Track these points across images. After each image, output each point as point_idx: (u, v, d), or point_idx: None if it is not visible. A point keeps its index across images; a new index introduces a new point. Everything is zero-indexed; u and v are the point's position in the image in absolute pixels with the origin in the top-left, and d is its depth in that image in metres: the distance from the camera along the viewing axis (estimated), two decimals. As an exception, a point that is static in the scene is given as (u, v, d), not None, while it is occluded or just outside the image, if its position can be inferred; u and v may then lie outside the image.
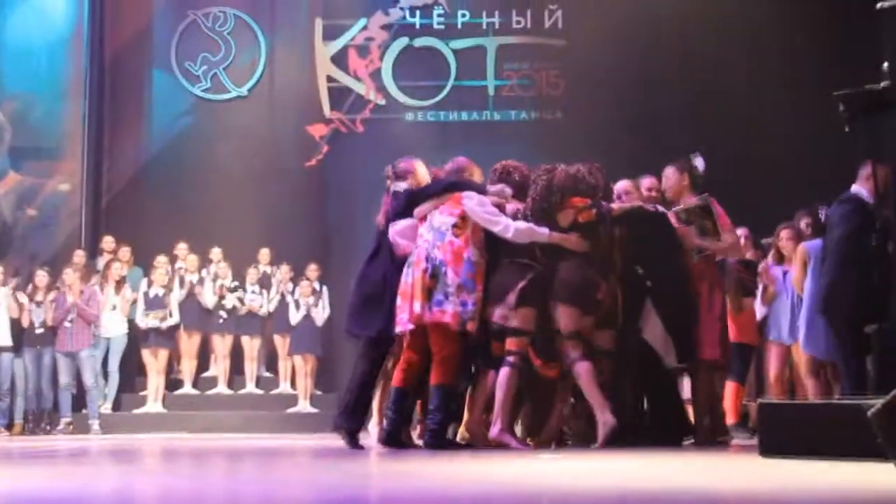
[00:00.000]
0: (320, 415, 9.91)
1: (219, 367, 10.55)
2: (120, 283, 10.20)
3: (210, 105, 11.79)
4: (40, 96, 11.52)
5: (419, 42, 11.74)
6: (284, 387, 10.52)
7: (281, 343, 10.52)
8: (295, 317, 10.37)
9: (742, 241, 6.63)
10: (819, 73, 9.42)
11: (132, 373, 10.54)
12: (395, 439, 5.19)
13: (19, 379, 9.84)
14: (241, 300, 10.48)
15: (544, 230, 5.20)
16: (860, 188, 5.39)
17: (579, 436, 5.60)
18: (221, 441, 7.62)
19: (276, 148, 11.54)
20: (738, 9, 10.77)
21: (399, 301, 5.18)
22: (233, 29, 11.85)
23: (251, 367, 10.58)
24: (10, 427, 9.78)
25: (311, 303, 10.35)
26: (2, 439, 8.96)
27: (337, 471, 3.78)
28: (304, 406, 10.26)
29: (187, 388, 10.50)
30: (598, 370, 5.19)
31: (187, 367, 10.51)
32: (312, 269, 10.55)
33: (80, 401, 9.89)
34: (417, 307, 5.06)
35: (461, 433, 5.64)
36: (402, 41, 11.74)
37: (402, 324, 5.15)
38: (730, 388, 6.70)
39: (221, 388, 10.51)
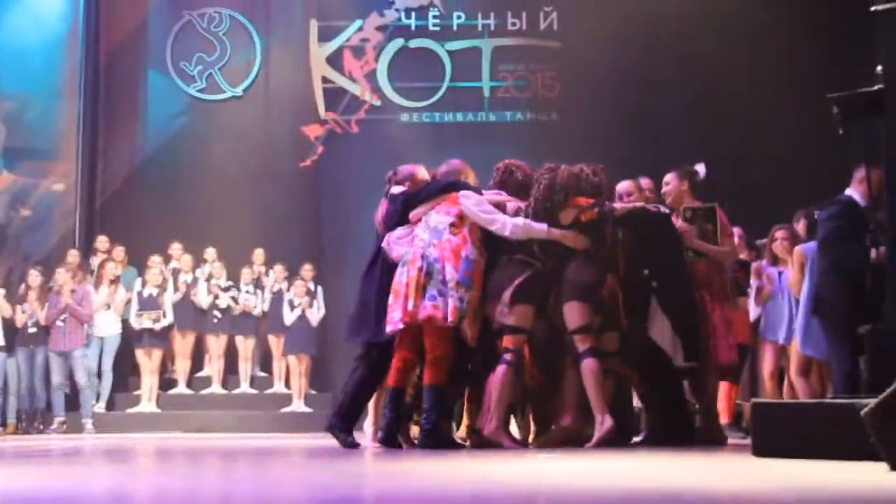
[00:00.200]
0: (314, 414, 9.91)
1: (213, 366, 10.55)
2: (114, 283, 10.20)
3: (205, 105, 11.79)
4: (35, 96, 11.50)
5: (414, 43, 11.75)
6: (279, 386, 10.52)
7: (275, 343, 10.52)
8: (289, 317, 10.37)
9: (736, 240, 6.66)
10: (819, 74, 9.42)
11: (126, 372, 10.53)
12: (392, 439, 5.20)
13: (12, 378, 9.82)
14: (235, 300, 10.48)
15: (542, 226, 5.20)
16: (853, 191, 5.42)
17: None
18: (215, 441, 7.62)
19: (270, 148, 11.54)
20: (735, 9, 10.76)
21: (391, 300, 5.17)
22: (228, 29, 11.85)
23: (245, 367, 10.58)
24: (3, 426, 9.77)
25: (306, 303, 10.35)
26: (-5, 439, 8.94)
27: (331, 470, 3.78)
28: (298, 406, 10.26)
29: (181, 388, 10.49)
30: (604, 371, 5.21)
31: (181, 367, 10.50)
32: (307, 270, 10.55)
33: (73, 400, 9.87)
34: (411, 305, 5.06)
35: (462, 433, 5.65)
36: (398, 42, 11.75)
37: (393, 323, 5.14)
38: (723, 387, 6.72)
39: (215, 388, 10.51)
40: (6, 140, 11.37)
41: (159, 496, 2.83)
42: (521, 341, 5.23)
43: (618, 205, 5.54)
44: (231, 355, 10.59)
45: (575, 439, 5.21)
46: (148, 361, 10.24)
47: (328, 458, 4.68)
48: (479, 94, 11.64)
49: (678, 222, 5.71)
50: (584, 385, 5.14)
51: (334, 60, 11.76)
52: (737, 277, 6.78)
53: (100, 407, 10.08)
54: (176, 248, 10.68)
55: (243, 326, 10.52)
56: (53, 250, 11.09)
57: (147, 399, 10.21)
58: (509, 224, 5.18)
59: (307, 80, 11.72)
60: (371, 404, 5.67)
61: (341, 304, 10.51)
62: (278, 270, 10.60)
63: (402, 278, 5.16)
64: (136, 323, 10.21)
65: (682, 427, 5.57)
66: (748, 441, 4.52)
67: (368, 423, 5.80)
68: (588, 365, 5.10)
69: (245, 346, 10.54)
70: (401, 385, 5.24)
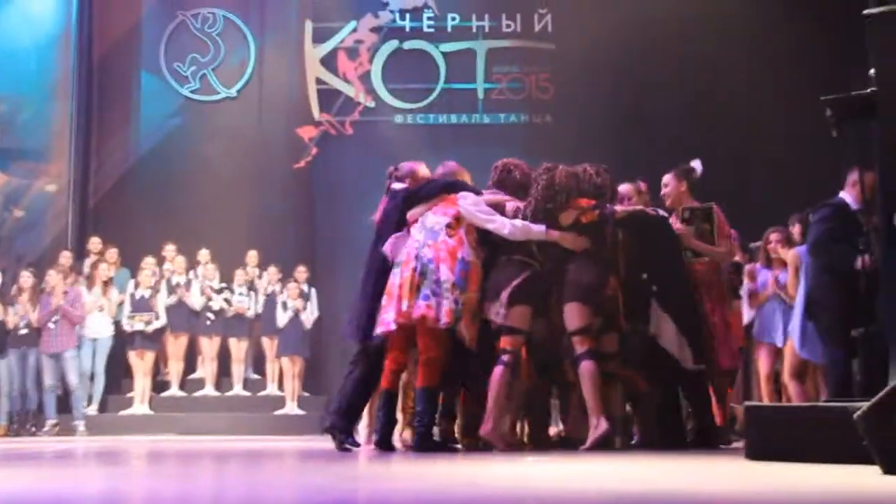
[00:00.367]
0: (308, 417, 9.91)
1: (206, 368, 10.53)
2: (107, 285, 10.17)
3: (199, 106, 11.77)
4: (28, 97, 11.47)
5: (409, 45, 11.76)
6: (272, 389, 10.51)
7: (268, 345, 10.50)
8: (282, 319, 10.35)
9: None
10: (818, 75, 9.42)
11: (118, 374, 10.50)
12: (387, 442, 5.19)
13: (4, 380, 9.79)
14: (228, 302, 10.46)
15: (541, 227, 5.21)
16: (846, 194, 5.43)
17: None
18: (208, 443, 7.60)
19: (264, 150, 11.53)
20: (732, 11, 10.77)
21: (384, 301, 5.16)
22: (222, 30, 11.84)
23: (238, 369, 10.56)
24: (-5, 428, 9.75)
25: (299, 305, 10.33)
26: (-13, 441, 8.91)
27: (325, 473, 3.78)
28: (291, 408, 10.24)
29: (174, 390, 10.47)
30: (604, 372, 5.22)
31: (174, 369, 10.48)
32: (300, 271, 10.54)
33: (65, 402, 9.84)
34: (405, 305, 5.05)
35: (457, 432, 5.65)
36: (392, 44, 11.76)
37: (385, 325, 5.13)
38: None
39: (208, 390, 10.49)
40: (-1, 141, 11.35)
41: (151, 499, 2.82)
42: (518, 342, 5.22)
43: (619, 207, 5.56)
44: (224, 357, 10.57)
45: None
46: (140, 363, 10.22)
47: (322, 461, 4.67)
48: (474, 96, 11.65)
49: (676, 223, 5.73)
50: (582, 387, 5.14)
51: (328, 62, 11.76)
52: (731, 280, 6.80)
53: (92, 409, 10.05)
54: (169, 250, 10.66)
55: (236, 328, 10.50)
56: (46, 251, 11.06)
57: (140, 401, 10.18)
58: (507, 225, 5.18)
59: (301, 81, 11.72)
60: (366, 407, 5.65)
61: (335, 306, 10.52)
62: (272, 272, 10.59)
63: (396, 279, 5.16)
64: (127, 325, 10.19)
65: (675, 430, 5.58)
66: (741, 444, 4.52)
67: (363, 426, 5.79)
68: (586, 367, 5.10)
69: (238, 348, 10.52)
70: (394, 387, 5.23)
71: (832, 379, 5.43)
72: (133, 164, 11.69)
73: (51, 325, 9.69)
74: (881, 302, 4.15)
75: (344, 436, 5.30)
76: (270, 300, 10.45)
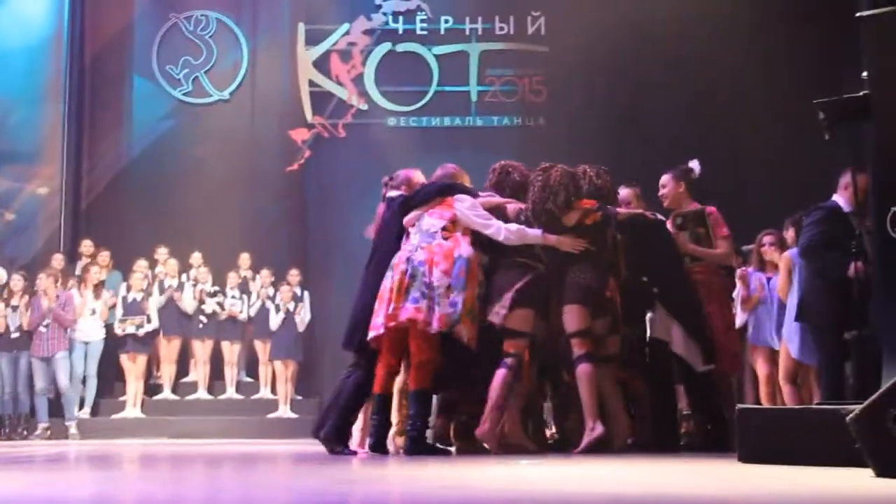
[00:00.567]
0: (300, 420, 9.89)
1: (198, 372, 10.50)
2: (98, 288, 10.13)
3: (191, 109, 11.75)
4: (19, 100, 11.43)
5: (402, 47, 11.75)
6: (264, 392, 10.48)
7: (261, 348, 10.48)
8: (275, 322, 10.33)
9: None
10: (813, 77, 9.43)
11: (111, 378, 10.47)
12: (380, 445, 5.17)
13: (-5, 384, 9.76)
14: (221, 305, 10.43)
15: (536, 232, 5.20)
16: (838, 197, 5.44)
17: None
18: (201, 446, 7.57)
19: (257, 152, 11.51)
20: (726, 12, 10.77)
21: (377, 306, 5.15)
22: (214, 32, 11.82)
23: (231, 373, 10.54)
24: (-14, 431, 9.70)
25: (292, 308, 10.32)
26: (-22, 445, 8.86)
27: (319, 476, 3.76)
28: (284, 411, 10.22)
29: (166, 394, 10.44)
30: (609, 375, 5.23)
31: (167, 372, 10.45)
32: (293, 275, 10.52)
33: (58, 406, 9.80)
34: (392, 308, 5.03)
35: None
36: (385, 46, 11.75)
37: (376, 328, 5.12)
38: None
39: (201, 394, 10.46)
40: (-10, 144, 11.30)
41: (144, 503, 2.81)
42: (522, 346, 5.20)
43: (621, 209, 5.57)
44: (217, 360, 10.55)
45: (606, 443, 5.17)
46: (133, 367, 10.18)
47: (315, 464, 4.66)
48: (467, 99, 11.65)
49: (671, 229, 5.75)
50: (579, 389, 5.14)
51: (321, 64, 11.75)
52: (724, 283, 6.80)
53: (84, 412, 10.01)
54: (162, 253, 10.64)
55: (229, 331, 10.47)
56: (38, 254, 11.03)
57: (132, 405, 10.15)
58: (503, 230, 5.18)
59: (294, 83, 11.70)
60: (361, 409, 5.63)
61: (328, 309, 10.52)
62: (264, 275, 10.57)
63: (387, 283, 5.15)
64: (119, 329, 10.16)
65: (669, 433, 5.59)
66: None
67: (357, 428, 5.77)
68: (583, 370, 5.10)
69: (231, 351, 10.50)
70: (387, 392, 5.22)
71: (825, 382, 5.44)
72: (125, 167, 11.66)
73: (42, 329, 9.65)
74: (873, 305, 4.16)
75: (341, 447, 5.26)
76: (263, 303, 10.42)
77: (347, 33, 11.79)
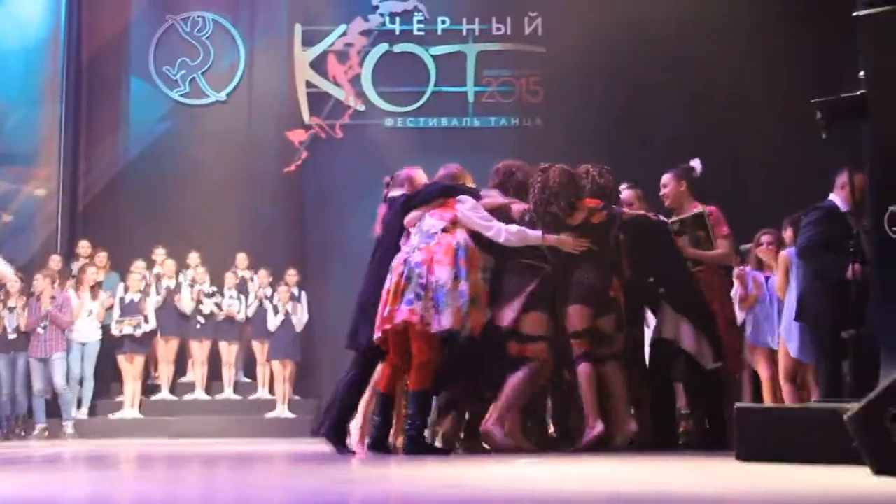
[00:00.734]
0: (298, 420, 9.89)
1: (196, 372, 10.50)
2: (95, 289, 10.13)
3: (188, 110, 11.74)
4: (16, 101, 11.42)
5: (399, 48, 11.75)
6: (262, 392, 10.48)
7: (259, 348, 10.48)
8: (273, 322, 10.33)
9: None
10: (812, 76, 9.43)
11: (108, 378, 10.47)
12: (382, 445, 5.17)
13: (-7, 384, 9.75)
14: (218, 305, 10.43)
15: (537, 233, 5.20)
16: (835, 196, 5.45)
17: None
18: (198, 447, 7.56)
19: (254, 153, 11.51)
20: (724, 12, 10.78)
21: (380, 307, 5.16)
22: (211, 34, 11.81)
23: (229, 373, 10.54)
24: (-16, 432, 9.69)
25: (290, 308, 10.32)
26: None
27: (317, 475, 3.76)
28: (282, 411, 10.22)
29: (164, 394, 10.44)
30: (618, 372, 5.23)
31: (164, 373, 10.45)
32: (291, 275, 10.52)
33: (55, 407, 9.79)
34: (387, 311, 5.04)
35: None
36: (382, 47, 11.75)
37: (377, 330, 5.14)
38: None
39: (199, 394, 10.46)
40: (-13, 145, 11.29)
41: (141, 502, 2.81)
42: (541, 349, 5.17)
43: (625, 210, 5.58)
44: (214, 361, 10.55)
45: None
46: (130, 367, 10.18)
47: (314, 464, 4.66)
48: (464, 100, 11.65)
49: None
50: (580, 389, 5.14)
51: (318, 65, 11.75)
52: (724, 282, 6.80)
53: (82, 413, 10.00)
54: (159, 254, 10.64)
55: (227, 332, 10.47)
56: (35, 256, 11.02)
57: (129, 405, 10.15)
58: (504, 231, 5.17)
59: (291, 84, 11.70)
60: (361, 407, 5.63)
61: (325, 309, 10.52)
62: (262, 276, 10.57)
63: (387, 285, 5.15)
64: (116, 329, 10.16)
65: (668, 431, 5.60)
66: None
67: (355, 426, 5.76)
68: (584, 370, 5.12)
69: (229, 351, 10.50)
70: (391, 391, 5.22)
71: (823, 380, 5.44)
72: (122, 168, 11.65)
73: (40, 330, 9.65)
74: (871, 305, 4.16)
75: (340, 446, 5.27)
76: (261, 304, 10.42)
77: (344, 34, 11.78)
